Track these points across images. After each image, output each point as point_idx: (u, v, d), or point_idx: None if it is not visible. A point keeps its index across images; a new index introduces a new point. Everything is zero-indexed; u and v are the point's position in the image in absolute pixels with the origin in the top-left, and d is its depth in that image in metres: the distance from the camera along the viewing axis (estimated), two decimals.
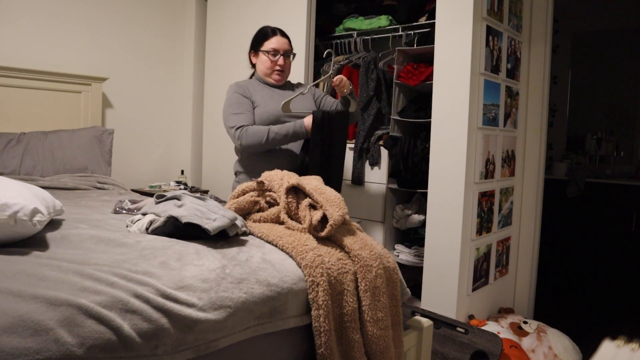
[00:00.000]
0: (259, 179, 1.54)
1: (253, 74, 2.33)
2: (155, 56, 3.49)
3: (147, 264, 1.07)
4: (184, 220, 1.24)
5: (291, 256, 1.28)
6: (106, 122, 3.24)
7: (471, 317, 2.44)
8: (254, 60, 2.27)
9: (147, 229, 1.34)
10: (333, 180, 2.13)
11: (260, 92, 2.20)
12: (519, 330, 2.41)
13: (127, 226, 1.42)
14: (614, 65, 4.08)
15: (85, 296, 0.90)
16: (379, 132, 2.87)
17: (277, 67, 2.20)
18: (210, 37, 3.48)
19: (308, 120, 2.09)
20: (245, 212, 1.52)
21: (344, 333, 1.26)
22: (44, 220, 1.20)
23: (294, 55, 2.27)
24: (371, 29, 3.02)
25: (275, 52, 2.19)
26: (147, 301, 0.94)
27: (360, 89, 2.89)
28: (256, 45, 2.24)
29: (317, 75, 3.15)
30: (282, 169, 2.14)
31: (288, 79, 2.33)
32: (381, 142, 2.85)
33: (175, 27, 3.59)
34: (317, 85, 2.25)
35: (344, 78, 2.09)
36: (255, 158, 2.18)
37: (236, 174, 2.27)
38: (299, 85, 2.38)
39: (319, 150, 2.08)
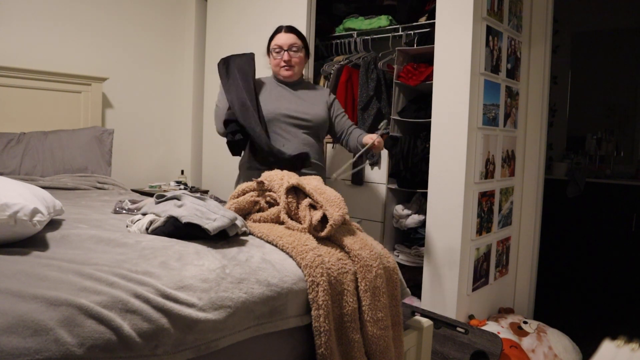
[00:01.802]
0: (259, 179, 1.54)
1: None
2: (156, 56, 3.49)
3: (147, 264, 1.07)
4: (184, 220, 1.24)
5: (291, 256, 1.28)
6: (106, 122, 3.24)
7: (471, 317, 2.44)
8: (268, 60, 2.30)
9: (147, 229, 1.34)
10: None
11: (269, 89, 2.25)
12: (519, 330, 2.41)
13: (127, 226, 1.42)
14: (614, 65, 4.08)
15: (85, 296, 0.90)
16: (379, 132, 2.87)
17: (283, 63, 2.24)
18: (210, 37, 3.48)
19: None
20: (245, 212, 1.52)
21: (344, 333, 1.26)
22: (44, 220, 1.20)
23: (305, 50, 2.28)
24: (371, 29, 3.02)
25: (279, 48, 2.23)
26: (147, 301, 0.94)
27: (360, 89, 2.89)
28: (268, 46, 2.28)
29: (316, 74, 3.15)
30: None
31: (307, 79, 2.36)
32: None
33: (175, 27, 3.59)
34: (362, 156, 2.24)
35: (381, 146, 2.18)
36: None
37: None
38: (316, 88, 2.37)
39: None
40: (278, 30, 2.26)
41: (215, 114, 2.25)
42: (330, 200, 1.43)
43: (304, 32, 2.85)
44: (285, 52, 2.22)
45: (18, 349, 0.76)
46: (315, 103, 2.27)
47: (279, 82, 2.29)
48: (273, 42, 2.25)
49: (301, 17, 2.87)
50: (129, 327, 0.89)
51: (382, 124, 2.27)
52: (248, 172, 2.19)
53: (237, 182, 2.28)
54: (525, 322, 2.47)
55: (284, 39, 2.23)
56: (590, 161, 4.09)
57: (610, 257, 3.61)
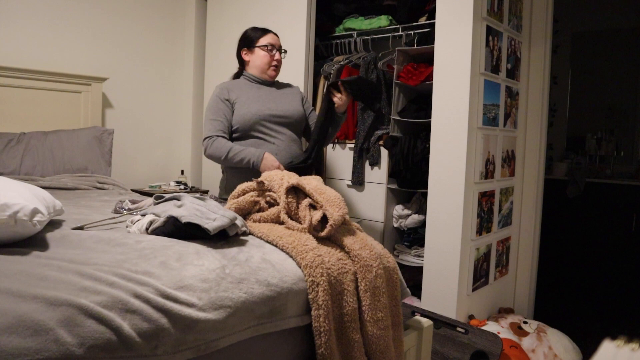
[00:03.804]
0: (259, 179, 1.54)
1: (240, 74, 2.36)
2: (155, 56, 3.49)
3: (147, 264, 1.07)
4: (183, 220, 1.24)
5: (291, 256, 1.28)
6: (106, 122, 3.24)
7: (471, 317, 2.44)
8: (247, 57, 2.30)
9: (147, 229, 1.34)
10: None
11: (247, 91, 2.24)
12: (519, 330, 2.41)
13: (127, 226, 1.42)
14: (614, 65, 4.08)
15: (85, 296, 0.90)
16: (379, 132, 2.87)
17: (274, 62, 2.26)
18: (210, 37, 3.48)
19: (266, 159, 2.10)
20: (245, 212, 1.52)
21: (344, 333, 1.26)
22: (44, 220, 1.20)
23: (285, 52, 2.35)
24: (371, 29, 3.02)
25: (272, 47, 2.25)
26: (147, 301, 0.94)
27: None
28: (251, 42, 2.28)
29: (317, 74, 3.15)
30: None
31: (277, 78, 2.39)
32: (381, 142, 2.85)
33: (175, 27, 3.59)
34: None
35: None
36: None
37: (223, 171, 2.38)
38: (288, 85, 2.42)
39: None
40: (266, 30, 2.29)
41: (215, 147, 2.15)
42: (330, 200, 1.43)
43: (303, 32, 2.87)
44: (277, 52, 2.26)
45: (18, 349, 0.76)
46: (292, 100, 2.31)
47: (255, 82, 2.29)
48: (263, 40, 2.26)
49: (301, 17, 2.87)
50: (129, 327, 0.89)
51: None
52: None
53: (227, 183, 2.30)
54: (525, 322, 2.47)
55: (275, 39, 2.28)
56: (590, 161, 4.09)
57: (610, 257, 3.61)
